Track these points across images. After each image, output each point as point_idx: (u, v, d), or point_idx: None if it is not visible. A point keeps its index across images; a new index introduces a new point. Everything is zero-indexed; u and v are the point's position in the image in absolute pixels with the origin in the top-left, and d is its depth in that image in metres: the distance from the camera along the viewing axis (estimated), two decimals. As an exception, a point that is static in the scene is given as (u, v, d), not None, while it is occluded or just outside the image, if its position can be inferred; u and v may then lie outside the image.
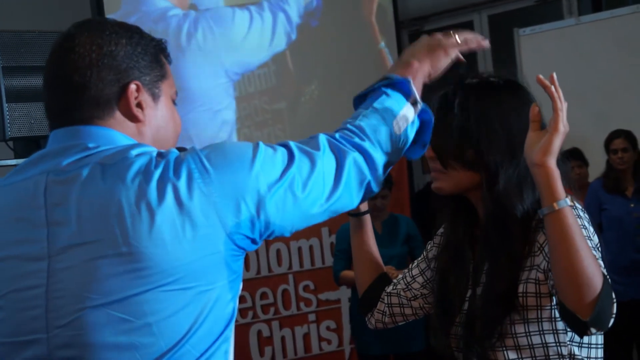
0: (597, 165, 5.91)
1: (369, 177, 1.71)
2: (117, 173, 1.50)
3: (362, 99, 1.85)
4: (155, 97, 1.65)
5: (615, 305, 1.78)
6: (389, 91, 1.81)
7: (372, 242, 2.34)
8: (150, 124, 1.64)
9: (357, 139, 1.71)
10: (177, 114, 1.73)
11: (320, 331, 6.56)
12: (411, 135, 1.80)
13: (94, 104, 1.59)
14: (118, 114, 1.61)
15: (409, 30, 8.95)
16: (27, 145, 4.23)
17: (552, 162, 1.80)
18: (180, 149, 1.62)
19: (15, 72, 3.92)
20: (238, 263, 1.57)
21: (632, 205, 5.60)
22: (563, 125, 1.81)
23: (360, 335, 5.58)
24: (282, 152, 1.61)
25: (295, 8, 7.14)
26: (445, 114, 1.98)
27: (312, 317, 6.55)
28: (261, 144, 1.60)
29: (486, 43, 2.01)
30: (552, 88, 1.82)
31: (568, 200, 1.79)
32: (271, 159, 1.58)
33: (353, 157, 1.68)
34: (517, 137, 1.96)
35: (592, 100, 6.27)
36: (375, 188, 1.73)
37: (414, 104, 1.81)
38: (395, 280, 2.33)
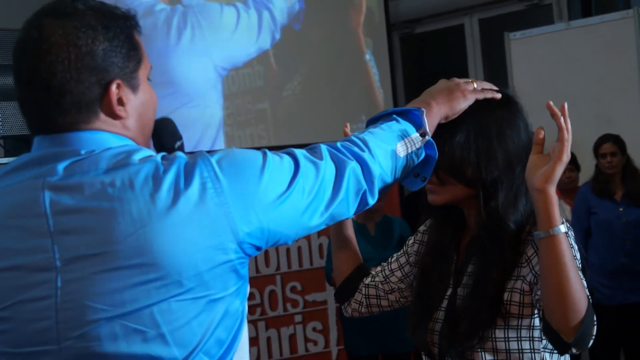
0: (587, 170, 5.93)
1: (364, 187, 1.72)
2: (124, 180, 1.47)
3: (374, 122, 1.89)
4: (134, 88, 1.60)
5: (595, 327, 1.86)
6: (399, 119, 1.86)
7: (350, 233, 2.37)
8: (133, 117, 1.59)
9: (357, 149, 1.73)
10: (153, 92, 1.67)
11: (306, 332, 6.56)
12: (415, 162, 1.85)
13: (76, 108, 1.53)
14: (102, 115, 1.55)
15: (400, 32, 8.96)
16: (17, 144, 4.22)
17: (552, 189, 1.86)
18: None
19: (8, 70, 3.91)
20: (245, 269, 1.57)
21: (620, 209, 5.61)
22: (567, 156, 1.86)
23: (349, 336, 5.59)
24: (288, 161, 1.61)
25: (279, 8, 7.18)
26: (443, 131, 2.00)
27: (298, 318, 6.55)
28: (268, 153, 1.60)
29: (498, 95, 2.06)
30: (561, 118, 1.87)
31: (563, 227, 1.85)
32: (279, 168, 1.58)
33: (352, 167, 1.70)
34: (512, 152, 2.04)
35: (582, 105, 6.29)
36: (370, 200, 1.75)
37: (423, 135, 1.85)
38: (373, 273, 2.38)
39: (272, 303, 6.42)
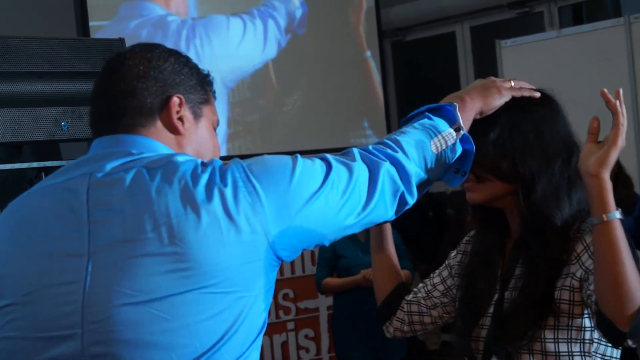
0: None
1: (402, 187, 1.74)
2: (163, 175, 1.53)
3: (407, 122, 1.90)
4: (196, 115, 1.70)
5: None
6: (432, 116, 1.87)
7: (392, 250, 2.37)
8: (189, 139, 1.68)
9: (389, 150, 1.75)
10: (217, 141, 1.77)
11: (298, 339, 6.56)
12: (451, 158, 1.85)
13: (138, 112, 1.64)
14: (159, 124, 1.65)
15: (392, 40, 8.99)
16: (9, 151, 4.21)
17: (606, 174, 1.84)
18: None
19: (0, 77, 3.91)
20: (274, 274, 1.60)
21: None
22: (622, 140, 1.85)
23: (341, 343, 5.59)
24: (320, 163, 1.65)
25: (283, 15, 7.21)
26: (477, 127, 1.98)
27: (290, 325, 6.55)
28: (299, 156, 1.64)
29: (537, 94, 2.06)
30: (617, 103, 1.86)
31: (618, 214, 1.82)
32: (310, 169, 1.62)
33: (386, 168, 1.71)
34: (551, 146, 2.02)
35: (573, 112, 6.30)
36: (410, 199, 1.76)
37: (457, 130, 1.85)
38: (415, 289, 2.35)
39: (264, 310, 6.42)
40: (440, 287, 2.30)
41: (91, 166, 1.60)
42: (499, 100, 1.97)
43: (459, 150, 1.87)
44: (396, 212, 1.76)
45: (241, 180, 1.54)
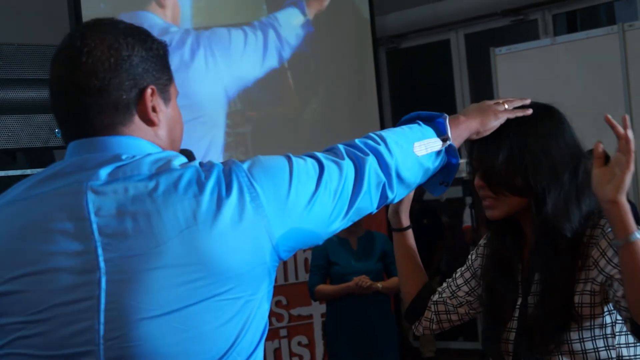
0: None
1: (383, 179, 1.77)
2: (168, 184, 1.51)
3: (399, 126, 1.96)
4: (166, 100, 1.66)
5: None
6: (422, 123, 1.94)
7: (415, 254, 2.44)
8: (164, 127, 1.65)
9: (372, 142, 1.79)
10: (180, 113, 1.75)
11: (291, 346, 6.55)
12: (433, 165, 1.91)
13: (114, 109, 1.57)
14: (137, 119, 1.60)
15: (387, 47, 9.00)
16: (2, 158, 4.21)
17: (624, 198, 1.91)
18: (183, 152, 1.65)
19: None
20: (274, 273, 1.62)
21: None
22: (633, 165, 1.92)
23: (335, 350, 5.59)
24: (312, 163, 1.67)
25: (286, 28, 7.27)
26: (489, 146, 2.10)
27: (283, 332, 6.54)
28: (292, 157, 1.66)
29: (529, 111, 2.13)
30: (626, 130, 1.93)
31: (638, 234, 1.89)
32: (305, 170, 1.64)
33: (369, 161, 1.75)
34: (558, 160, 2.11)
35: (568, 119, 6.31)
36: (389, 193, 1.80)
37: (445, 141, 1.92)
38: (440, 289, 2.43)
39: (258, 317, 6.41)
40: (465, 288, 2.38)
41: (82, 174, 1.54)
42: (494, 122, 2.06)
43: (444, 159, 1.93)
44: (378, 206, 1.79)
45: (245, 186, 1.54)
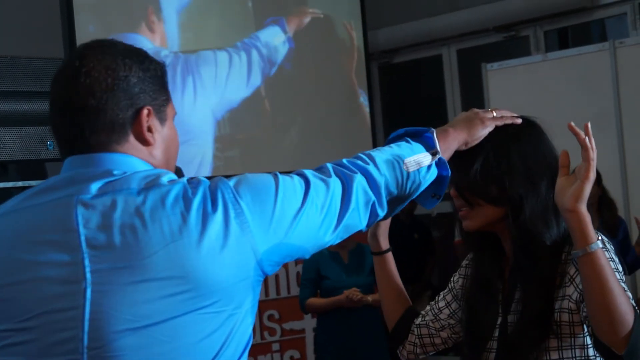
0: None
1: (373, 197, 1.79)
2: (155, 199, 1.54)
3: (387, 144, 1.97)
4: (162, 120, 1.69)
5: None
6: (410, 140, 1.95)
7: (396, 278, 2.40)
8: (160, 147, 1.68)
9: (360, 162, 1.81)
10: (177, 134, 1.78)
11: (283, 360, 6.55)
12: (424, 179, 1.92)
13: (110, 128, 1.61)
14: (132, 138, 1.64)
15: (379, 62, 9.02)
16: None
17: (583, 208, 1.89)
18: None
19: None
20: (259, 288, 1.64)
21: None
22: (593, 174, 1.91)
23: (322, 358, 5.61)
24: (298, 180, 1.70)
25: (267, 46, 7.29)
26: (465, 154, 2.07)
27: (275, 346, 6.54)
28: (279, 174, 1.68)
29: (519, 120, 2.13)
30: (586, 138, 1.92)
31: (599, 243, 1.88)
32: (291, 187, 1.67)
33: (358, 180, 1.77)
34: (535, 167, 2.09)
35: (558, 136, 6.33)
36: (380, 211, 1.82)
37: (434, 154, 1.92)
38: (423, 312, 2.40)
39: (249, 331, 6.40)
40: (446, 311, 2.35)
41: (74, 188, 1.58)
42: (482, 131, 2.06)
43: (434, 173, 1.94)
44: (368, 224, 1.81)
45: (230, 203, 1.57)
